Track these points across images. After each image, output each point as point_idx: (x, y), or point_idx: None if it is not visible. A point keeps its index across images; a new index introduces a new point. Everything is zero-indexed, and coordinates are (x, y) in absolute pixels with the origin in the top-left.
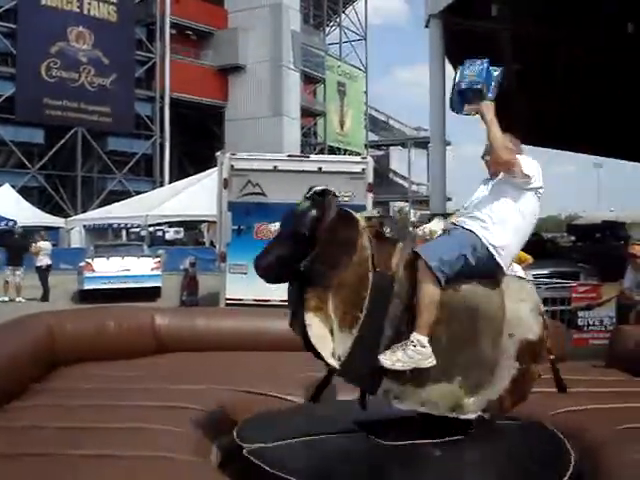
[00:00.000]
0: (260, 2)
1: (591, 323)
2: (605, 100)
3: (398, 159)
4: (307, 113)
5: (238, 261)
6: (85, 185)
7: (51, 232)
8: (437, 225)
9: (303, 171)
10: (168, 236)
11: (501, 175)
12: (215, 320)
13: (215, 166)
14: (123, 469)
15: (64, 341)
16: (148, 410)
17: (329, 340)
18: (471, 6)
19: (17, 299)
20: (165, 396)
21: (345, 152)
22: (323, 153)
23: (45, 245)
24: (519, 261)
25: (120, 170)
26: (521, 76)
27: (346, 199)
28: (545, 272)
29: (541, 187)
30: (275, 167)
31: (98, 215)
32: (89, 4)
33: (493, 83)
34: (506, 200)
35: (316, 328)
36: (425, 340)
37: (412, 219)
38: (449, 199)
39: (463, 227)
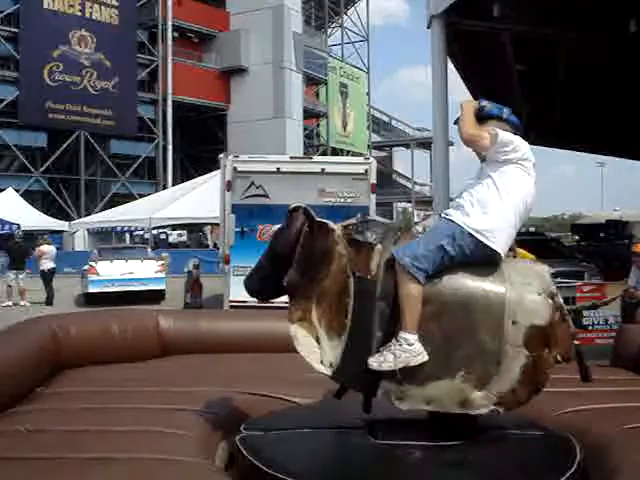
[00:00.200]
0: (262, 4)
1: (596, 322)
2: (608, 99)
3: (401, 160)
4: (309, 114)
5: (242, 263)
6: (88, 188)
7: (55, 236)
8: (433, 222)
9: (306, 172)
10: (172, 239)
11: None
12: (219, 322)
13: (218, 168)
14: (128, 472)
15: (68, 344)
16: (152, 413)
17: (315, 348)
18: (473, 6)
19: (21, 303)
20: (169, 399)
21: (348, 153)
22: (326, 154)
23: (48, 249)
24: None
25: (123, 173)
26: (523, 76)
27: (349, 200)
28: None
29: (525, 159)
30: (278, 169)
31: (102, 218)
32: (91, 7)
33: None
34: (486, 181)
35: (301, 338)
36: (412, 338)
37: (416, 219)
38: (452, 199)
39: (445, 218)
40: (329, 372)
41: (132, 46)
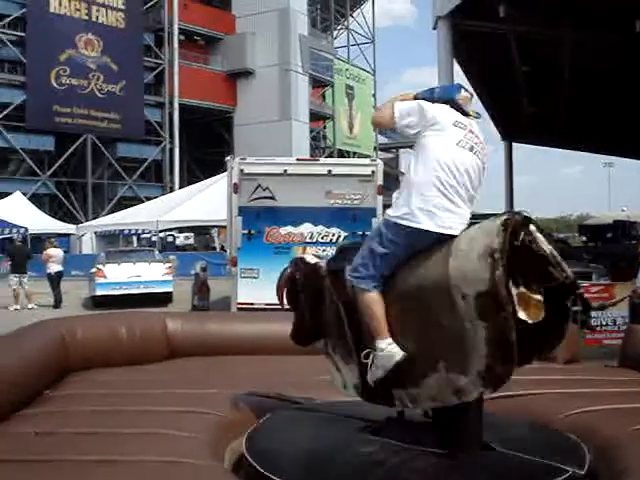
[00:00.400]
0: (268, 7)
1: (604, 323)
2: (614, 99)
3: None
4: (316, 117)
5: (249, 265)
6: (95, 191)
7: (62, 239)
8: None
9: (313, 175)
10: (179, 241)
11: None
12: (227, 325)
13: (225, 171)
14: (135, 474)
15: (76, 347)
16: (160, 415)
17: (337, 375)
18: (479, 7)
19: (29, 306)
20: (177, 401)
21: (354, 155)
22: (332, 156)
23: (55, 252)
24: None
25: (130, 176)
26: (529, 77)
27: (356, 202)
28: None
29: (437, 122)
30: (285, 171)
31: (109, 221)
32: (97, 11)
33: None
34: (409, 165)
35: (330, 369)
36: (383, 342)
37: None
38: None
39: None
40: (354, 393)
41: (138, 49)
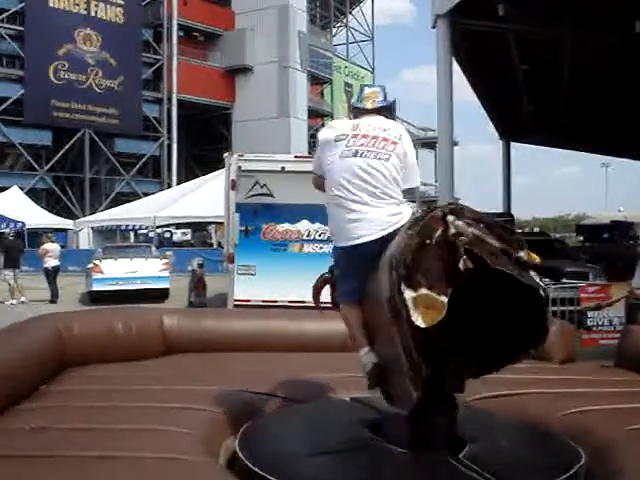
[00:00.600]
0: (267, 3)
1: (600, 323)
2: (613, 100)
3: None
4: (314, 114)
5: (246, 262)
6: (93, 187)
7: (59, 234)
8: None
9: (311, 172)
10: (176, 237)
11: None
12: (223, 321)
13: (223, 167)
14: (131, 470)
15: (73, 343)
16: (156, 411)
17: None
18: (478, 6)
19: (22, 299)
20: (173, 397)
21: None
22: None
23: (52, 247)
24: None
25: (128, 172)
26: (529, 76)
27: None
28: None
29: (322, 154)
30: (283, 168)
31: (106, 217)
32: (96, 6)
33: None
34: None
35: None
36: (361, 351)
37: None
38: (457, 199)
39: None
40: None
41: (137, 45)
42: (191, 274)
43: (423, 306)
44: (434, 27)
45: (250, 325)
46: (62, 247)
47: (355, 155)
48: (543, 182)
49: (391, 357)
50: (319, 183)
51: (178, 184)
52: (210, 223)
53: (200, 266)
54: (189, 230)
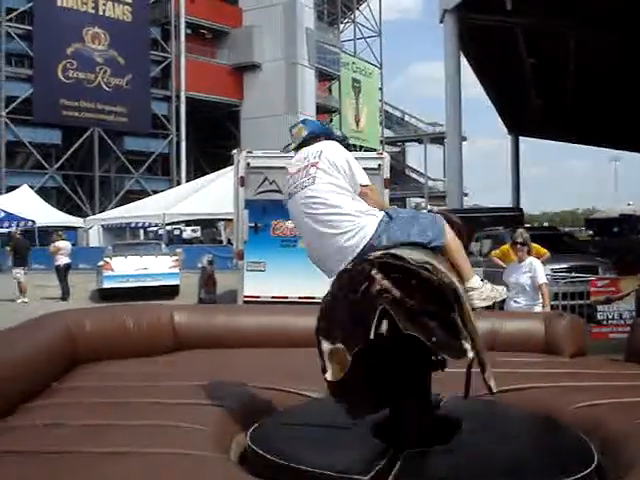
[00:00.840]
0: (274, 0)
1: (610, 317)
2: (621, 93)
3: (414, 155)
4: (322, 110)
5: (256, 259)
6: (103, 185)
7: (69, 232)
8: None
9: None
10: (185, 235)
11: None
12: (233, 317)
13: (231, 164)
14: (143, 466)
15: (84, 339)
16: (167, 407)
17: None
18: (485, 0)
19: (25, 299)
20: (184, 393)
21: (361, 149)
22: None
23: (64, 245)
24: (537, 255)
25: (137, 169)
26: (536, 70)
27: None
28: (564, 266)
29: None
30: None
31: (116, 214)
32: (104, 5)
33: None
34: None
35: None
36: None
37: None
38: (465, 194)
39: None
40: None
41: (145, 43)
42: (201, 271)
43: (335, 360)
44: (442, 22)
45: (260, 321)
46: (72, 245)
47: (291, 197)
48: (552, 176)
49: None
50: None
51: (187, 181)
52: (219, 220)
53: (210, 263)
54: (198, 227)
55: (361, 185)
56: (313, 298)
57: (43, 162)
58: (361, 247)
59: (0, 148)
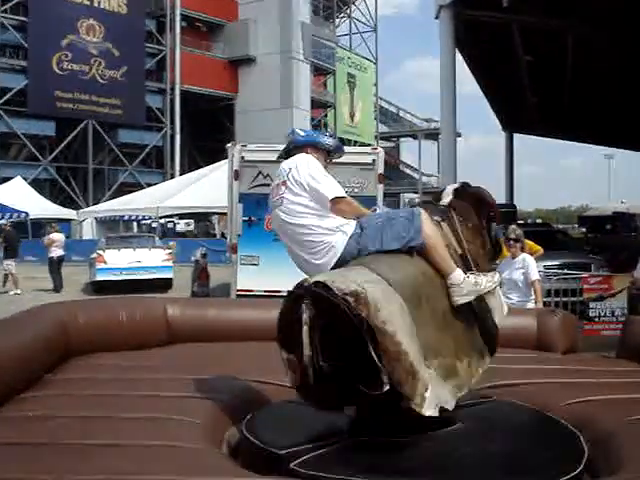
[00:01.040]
0: None
1: (602, 314)
2: (616, 91)
3: (408, 151)
4: (317, 105)
5: (249, 252)
6: (96, 177)
7: (63, 224)
8: None
9: None
10: (179, 228)
11: None
12: (226, 311)
13: (226, 158)
14: (135, 458)
15: (77, 332)
16: (160, 400)
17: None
18: None
19: (3, 289)
20: (177, 386)
21: (355, 144)
22: None
23: (58, 237)
24: (531, 252)
25: (131, 162)
26: (532, 67)
27: (356, 190)
28: (556, 263)
29: None
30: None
31: (109, 207)
32: None
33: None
34: None
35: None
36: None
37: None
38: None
39: None
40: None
41: (140, 35)
42: (194, 264)
43: (291, 369)
44: (437, 18)
45: (253, 315)
46: (66, 237)
47: (271, 212)
48: (545, 174)
49: None
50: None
51: (181, 174)
52: (213, 213)
53: (203, 256)
54: (192, 220)
55: (330, 200)
56: None
57: (37, 154)
58: (332, 264)
59: None
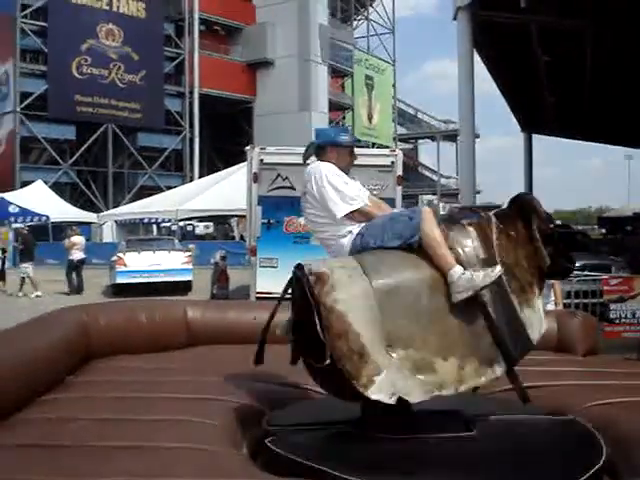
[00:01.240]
0: None
1: (623, 316)
2: (635, 91)
3: (427, 152)
4: (335, 107)
5: (268, 255)
6: (116, 180)
7: (83, 227)
8: None
9: None
10: (198, 230)
11: None
12: (246, 313)
13: (244, 160)
14: (156, 460)
15: (97, 334)
16: (180, 402)
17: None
18: None
19: (20, 294)
20: (197, 388)
21: (373, 146)
22: None
23: (79, 240)
24: None
25: (150, 165)
26: (551, 67)
27: (375, 192)
28: (576, 265)
29: None
30: (304, 161)
31: (129, 210)
32: (118, 1)
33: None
34: None
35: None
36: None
37: (441, 212)
38: (478, 192)
39: None
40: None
41: (159, 39)
42: (214, 267)
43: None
44: (455, 19)
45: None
46: (86, 240)
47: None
48: (564, 174)
49: None
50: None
51: (200, 177)
52: (232, 216)
53: (223, 259)
54: (211, 223)
55: (343, 217)
56: None
57: (57, 158)
58: None
59: (15, 144)
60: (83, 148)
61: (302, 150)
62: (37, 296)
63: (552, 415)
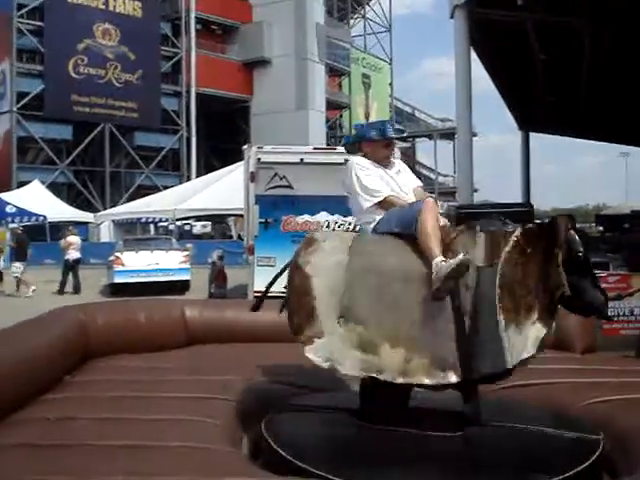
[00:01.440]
0: None
1: (621, 313)
2: (633, 89)
3: (424, 151)
4: (332, 106)
5: (266, 254)
6: (113, 180)
7: (80, 227)
8: None
9: (329, 163)
10: (196, 230)
11: None
12: (244, 312)
13: (241, 159)
14: (156, 459)
15: (96, 334)
16: (179, 401)
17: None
18: None
19: (17, 293)
20: (196, 387)
21: None
22: None
23: (75, 239)
24: None
25: (147, 165)
26: (548, 66)
27: None
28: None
29: None
30: (301, 160)
31: (126, 210)
32: (115, 1)
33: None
34: None
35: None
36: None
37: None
38: (476, 190)
39: None
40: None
41: (155, 39)
42: (211, 266)
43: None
44: (452, 17)
45: (271, 316)
46: (83, 240)
47: None
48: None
49: None
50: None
51: (197, 177)
52: (230, 215)
53: (220, 258)
54: (209, 222)
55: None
56: None
57: (54, 157)
58: None
59: (11, 144)
60: (80, 148)
61: (299, 149)
62: (27, 297)
63: (549, 413)
